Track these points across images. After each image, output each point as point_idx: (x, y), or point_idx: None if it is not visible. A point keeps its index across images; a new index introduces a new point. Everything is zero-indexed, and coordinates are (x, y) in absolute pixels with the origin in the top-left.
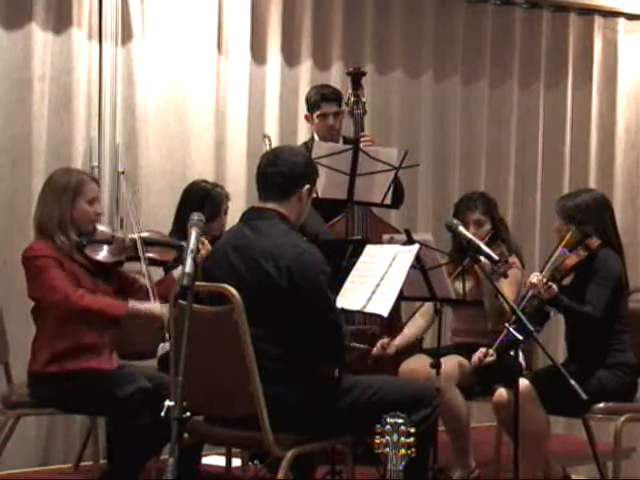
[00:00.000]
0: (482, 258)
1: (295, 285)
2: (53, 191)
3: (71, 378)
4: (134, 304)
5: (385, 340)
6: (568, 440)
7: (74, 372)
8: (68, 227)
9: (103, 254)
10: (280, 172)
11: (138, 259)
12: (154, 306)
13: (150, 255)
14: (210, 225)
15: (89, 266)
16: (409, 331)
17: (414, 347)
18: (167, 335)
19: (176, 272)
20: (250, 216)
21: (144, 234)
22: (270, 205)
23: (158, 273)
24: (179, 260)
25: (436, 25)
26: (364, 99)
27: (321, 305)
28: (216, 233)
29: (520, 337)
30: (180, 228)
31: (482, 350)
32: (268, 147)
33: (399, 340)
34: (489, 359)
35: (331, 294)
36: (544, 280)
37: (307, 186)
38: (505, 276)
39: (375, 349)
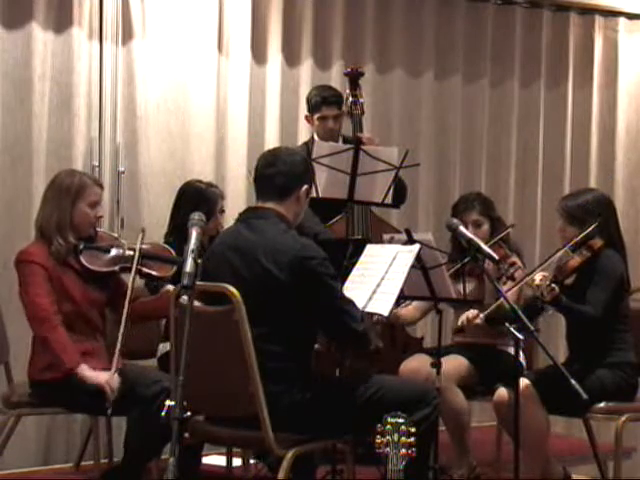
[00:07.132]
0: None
1: (297, 280)
2: (55, 193)
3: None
4: (85, 370)
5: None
6: (568, 440)
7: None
8: (67, 230)
9: (97, 262)
10: (279, 172)
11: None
12: (101, 377)
13: (148, 271)
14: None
15: (82, 272)
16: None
17: (414, 347)
18: None
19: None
20: (248, 216)
21: (145, 246)
22: (268, 205)
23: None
24: (178, 277)
25: (437, 24)
26: (362, 99)
27: (326, 296)
28: (212, 233)
29: (521, 337)
30: (176, 229)
31: (473, 312)
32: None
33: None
34: (477, 321)
35: (335, 283)
36: (547, 282)
37: (305, 186)
38: (513, 279)
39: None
